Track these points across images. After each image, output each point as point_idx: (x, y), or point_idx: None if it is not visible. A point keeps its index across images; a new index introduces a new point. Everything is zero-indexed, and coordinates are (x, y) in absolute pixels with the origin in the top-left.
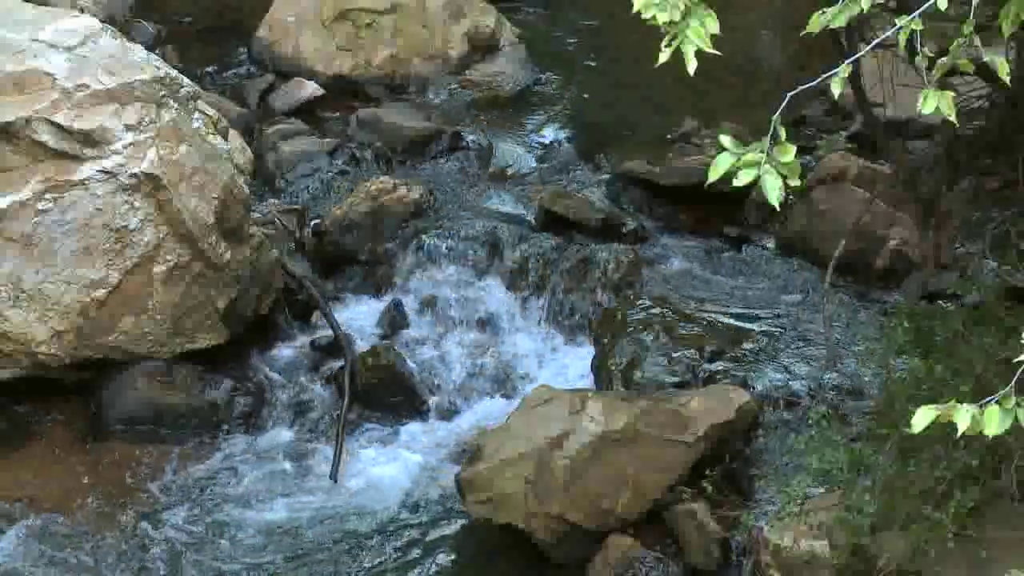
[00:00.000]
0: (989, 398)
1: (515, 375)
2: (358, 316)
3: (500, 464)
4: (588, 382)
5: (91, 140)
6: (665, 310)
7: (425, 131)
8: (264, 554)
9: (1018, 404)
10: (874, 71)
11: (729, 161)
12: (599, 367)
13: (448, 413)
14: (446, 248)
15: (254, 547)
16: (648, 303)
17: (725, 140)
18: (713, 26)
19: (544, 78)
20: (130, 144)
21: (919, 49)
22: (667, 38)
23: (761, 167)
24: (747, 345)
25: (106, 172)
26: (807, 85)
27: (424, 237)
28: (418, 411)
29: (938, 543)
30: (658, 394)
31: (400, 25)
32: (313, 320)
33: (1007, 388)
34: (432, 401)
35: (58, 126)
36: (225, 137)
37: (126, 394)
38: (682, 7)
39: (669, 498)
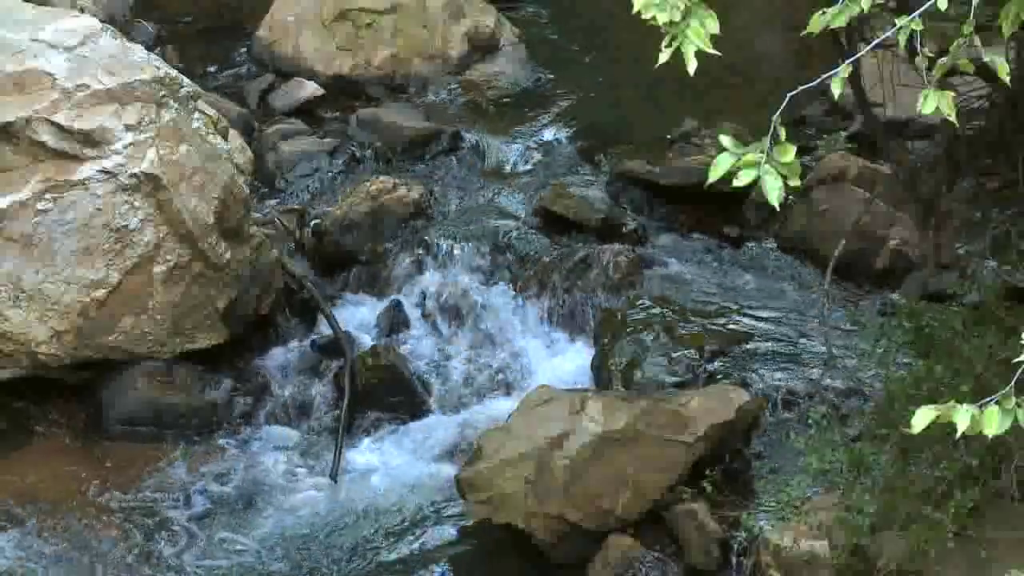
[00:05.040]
0: (989, 398)
1: (515, 375)
2: (358, 316)
3: (500, 464)
4: (588, 382)
5: (91, 140)
6: (665, 310)
7: (425, 131)
8: (264, 554)
9: (1018, 404)
10: (874, 71)
11: (729, 161)
12: (599, 367)
13: (448, 413)
14: (446, 248)
15: (254, 547)
16: (648, 303)
17: (725, 140)
18: (713, 26)
19: (544, 78)
20: (130, 144)
21: (919, 49)
22: (667, 38)
23: (761, 167)
24: (747, 345)
25: (106, 172)
26: (807, 85)
27: (424, 237)
28: (418, 411)
29: (938, 543)
30: (658, 394)
31: (400, 25)
32: (313, 320)
33: (1007, 388)
34: (432, 401)
35: (58, 126)
36: (225, 137)
37: (126, 394)
38: (682, 7)
39: (669, 498)
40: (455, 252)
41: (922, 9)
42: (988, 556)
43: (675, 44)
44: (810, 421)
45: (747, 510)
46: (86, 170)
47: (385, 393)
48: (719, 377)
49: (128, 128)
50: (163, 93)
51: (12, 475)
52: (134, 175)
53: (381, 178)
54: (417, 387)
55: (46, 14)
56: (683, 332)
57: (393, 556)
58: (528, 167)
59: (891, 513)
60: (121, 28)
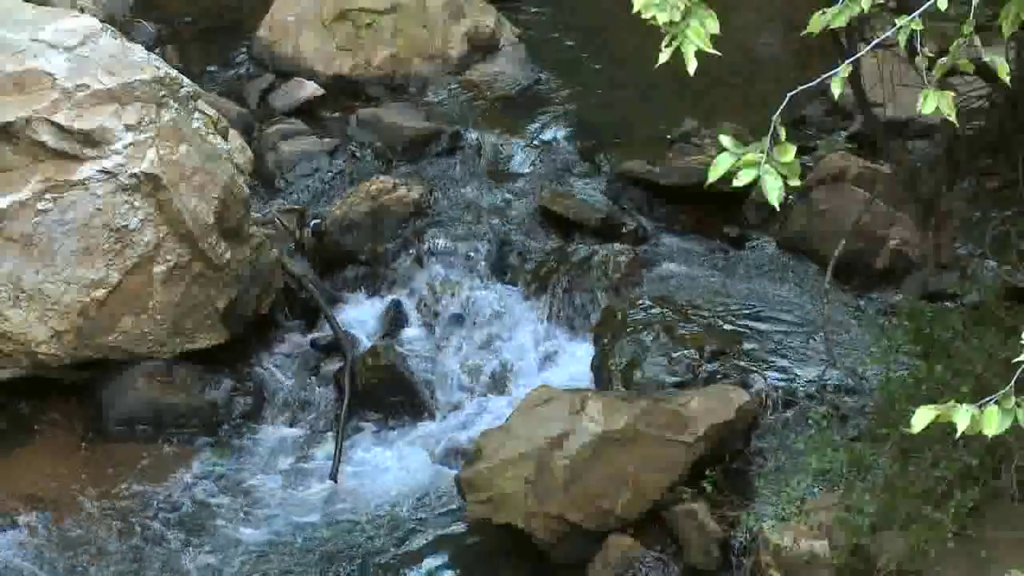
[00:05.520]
0: (989, 398)
1: (515, 375)
2: (358, 316)
3: (500, 464)
4: (588, 382)
5: (91, 140)
6: (665, 310)
7: (425, 131)
8: (264, 554)
9: (1018, 404)
10: (874, 71)
11: (729, 161)
12: (599, 367)
13: (448, 413)
14: (446, 248)
15: (254, 547)
16: (648, 303)
17: (725, 140)
18: (713, 26)
19: (544, 78)
20: (130, 144)
21: (919, 49)
22: (667, 38)
23: (761, 167)
24: (747, 345)
25: (106, 172)
26: (807, 85)
27: (424, 237)
28: (418, 411)
29: (938, 543)
30: (658, 394)
31: (400, 25)
32: (313, 320)
33: (1007, 388)
34: (432, 401)
35: (58, 126)
36: (225, 137)
37: (126, 394)
38: (682, 7)
39: (669, 498)
40: (455, 252)
41: (922, 9)
42: (988, 556)
43: (675, 44)
44: (810, 421)
45: (747, 510)
46: (86, 170)
47: (385, 393)
48: (719, 377)
49: (128, 128)
50: (163, 93)
51: (12, 475)
52: (134, 175)
53: (381, 178)
54: (417, 387)
55: (46, 14)
56: (683, 332)
57: (393, 556)
58: (528, 167)
59: (891, 513)
60: (121, 28)
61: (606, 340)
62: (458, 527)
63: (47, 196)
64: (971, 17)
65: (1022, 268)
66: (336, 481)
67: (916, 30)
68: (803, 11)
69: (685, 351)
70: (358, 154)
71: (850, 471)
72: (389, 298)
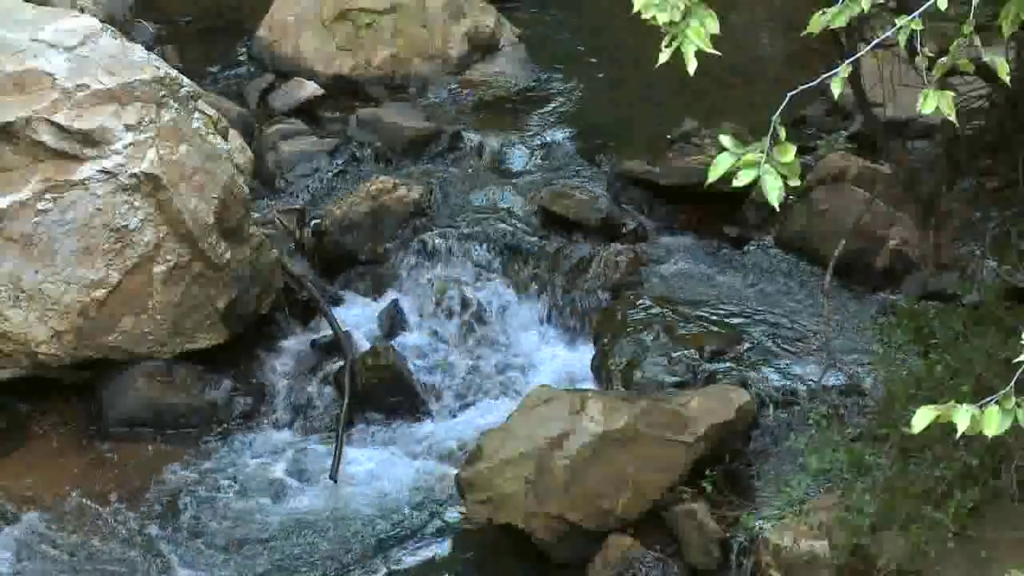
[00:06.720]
0: (989, 398)
1: (515, 375)
2: (358, 316)
3: (500, 464)
4: (588, 382)
5: (91, 140)
6: (665, 310)
7: (425, 131)
8: (264, 554)
9: (1018, 404)
10: (874, 71)
11: (729, 161)
12: (599, 367)
13: (448, 413)
14: (446, 248)
15: (254, 547)
16: (648, 303)
17: (725, 140)
18: (713, 26)
19: (544, 78)
20: (130, 144)
21: (919, 49)
22: (667, 38)
23: (761, 167)
24: (747, 345)
25: (106, 172)
26: (807, 85)
27: (424, 237)
28: (418, 411)
29: (938, 543)
30: (658, 394)
31: (400, 25)
32: (313, 320)
33: (1007, 388)
34: (432, 401)
35: (58, 126)
36: (225, 137)
37: (126, 394)
38: (682, 7)
39: (669, 498)
40: (455, 252)
41: (922, 9)
42: (988, 556)
43: (675, 44)
44: (810, 421)
45: (747, 510)
46: (86, 170)
47: (385, 393)
48: (719, 377)
49: (128, 128)
50: (163, 93)
51: (11, 475)
52: (134, 175)
53: (381, 178)
54: (417, 387)
55: (46, 14)
56: (683, 332)
57: (393, 556)
58: (528, 167)
59: (891, 513)
60: (121, 28)
61: (606, 340)
62: (458, 527)
63: (47, 196)
64: (971, 17)
65: (1022, 268)
66: (336, 481)
67: (916, 30)
68: (803, 11)
69: (685, 351)
70: (358, 154)
71: (850, 471)
72: (389, 298)
